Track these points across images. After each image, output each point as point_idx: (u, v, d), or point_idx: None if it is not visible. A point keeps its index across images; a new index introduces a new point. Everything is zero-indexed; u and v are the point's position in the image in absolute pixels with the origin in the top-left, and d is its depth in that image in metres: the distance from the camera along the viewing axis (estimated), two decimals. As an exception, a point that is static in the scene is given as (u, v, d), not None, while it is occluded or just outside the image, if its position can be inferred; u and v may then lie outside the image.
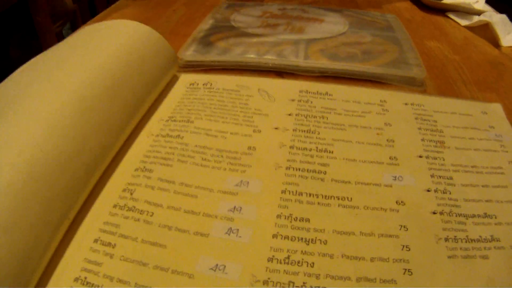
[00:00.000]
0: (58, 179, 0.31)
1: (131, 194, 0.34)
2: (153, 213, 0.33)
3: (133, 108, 0.41)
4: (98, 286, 0.28)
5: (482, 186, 0.38)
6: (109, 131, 0.37)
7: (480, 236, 0.33)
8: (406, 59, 0.59)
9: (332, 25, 0.70)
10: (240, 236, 0.31)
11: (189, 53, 0.57)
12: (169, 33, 0.70)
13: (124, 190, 0.35)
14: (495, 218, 0.35)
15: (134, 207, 0.33)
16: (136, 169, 0.37)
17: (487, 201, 0.36)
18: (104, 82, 0.38)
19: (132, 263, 0.29)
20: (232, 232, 0.31)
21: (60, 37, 1.76)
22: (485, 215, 0.35)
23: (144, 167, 0.37)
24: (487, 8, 0.92)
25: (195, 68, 0.55)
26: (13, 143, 0.30)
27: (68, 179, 0.31)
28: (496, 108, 0.50)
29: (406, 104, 0.48)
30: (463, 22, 0.87)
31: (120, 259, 0.29)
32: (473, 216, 0.35)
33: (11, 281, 0.26)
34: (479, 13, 0.88)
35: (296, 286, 0.28)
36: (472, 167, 0.40)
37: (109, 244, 0.31)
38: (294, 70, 0.55)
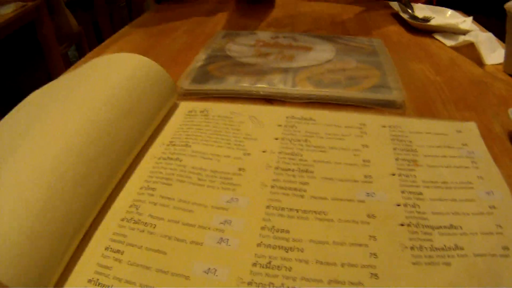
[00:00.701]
0: (74, 196, 0.36)
1: (137, 209, 0.39)
2: (155, 225, 0.38)
3: (138, 133, 0.46)
4: (109, 286, 0.33)
5: (451, 200, 0.41)
6: (117, 154, 0.42)
7: (445, 245, 0.36)
8: (387, 83, 0.63)
9: (320, 52, 0.74)
10: (229, 245, 0.36)
11: (187, 82, 0.62)
12: (170, 61, 0.75)
13: (131, 206, 0.40)
14: (461, 228, 0.38)
15: (140, 220, 0.38)
16: (141, 187, 0.42)
17: (454, 213, 0.40)
18: (113, 111, 0.44)
19: (138, 267, 0.34)
20: (223, 241, 0.36)
21: (65, 58, 1.80)
22: (451, 226, 0.38)
23: (148, 185, 0.42)
24: (474, 27, 0.94)
25: (194, 96, 0.60)
26: (35, 164, 0.36)
27: (83, 196, 0.37)
28: (471, 127, 0.54)
29: (384, 126, 0.53)
30: (449, 42, 0.89)
31: (127, 264, 0.34)
32: (439, 227, 0.38)
33: (35, 282, 0.31)
34: (465, 33, 0.90)
35: (275, 287, 0.32)
36: (442, 183, 0.44)
37: (118, 251, 0.35)
38: (283, 97, 0.59)
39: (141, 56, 0.53)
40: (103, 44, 0.87)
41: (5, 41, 1.43)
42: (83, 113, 0.42)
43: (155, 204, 0.40)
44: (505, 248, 0.36)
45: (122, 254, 0.35)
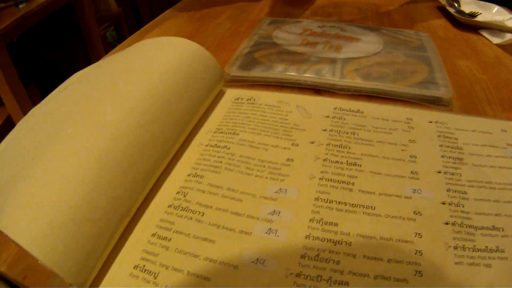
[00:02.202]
0: (121, 182, 0.36)
1: (184, 196, 0.40)
2: (203, 213, 0.38)
3: (185, 120, 0.46)
4: (155, 273, 0.33)
5: (494, 201, 0.41)
6: (164, 140, 0.42)
7: (486, 247, 0.36)
8: (434, 79, 0.62)
9: (368, 44, 0.73)
10: (278, 236, 0.36)
11: (234, 69, 0.62)
12: (215, 46, 0.75)
13: (178, 193, 0.40)
14: (503, 231, 0.38)
15: (187, 207, 0.38)
16: (189, 175, 0.42)
17: (496, 215, 0.39)
18: (161, 98, 0.44)
19: (185, 254, 0.34)
20: (272, 232, 0.36)
21: (104, 39, 1.82)
22: (493, 228, 0.38)
23: (196, 173, 0.42)
24: None
25: (240, 83, 0.60)
26: (85, 147, 0.36)
27: (130, 182, 0.37)
28: None
29: (430, 122, 0.52)
30: (495, 40, 0.87)
31: (175, 251, 0.35)
32: (482, 228, 0.38)
33: (80, 266, 0.31)
34: (510, 30, 0.88)
35: (324, 280, 0.32)
36: (487, 183, 0.43)
37: (165, 238, 0.36)
38: (331, 88, 0.59)
39: (190, 41, 0.53)
40: (144, 27, 0.87)
41: (45, 21, 1.45)
42: (132, 98, 0.42)
43: (203, 192, 0.40)
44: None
45: (169, 241, 0.36)
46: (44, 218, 0.31)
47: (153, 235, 0.36)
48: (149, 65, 0.48)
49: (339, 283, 0.32)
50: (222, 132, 0.48)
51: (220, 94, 0.56)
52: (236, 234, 0.36)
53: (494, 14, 1.00)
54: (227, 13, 0.96)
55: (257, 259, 0.34)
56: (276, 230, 0.36)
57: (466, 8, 1.02)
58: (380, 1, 1.10)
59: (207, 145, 0.46)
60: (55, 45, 1.66)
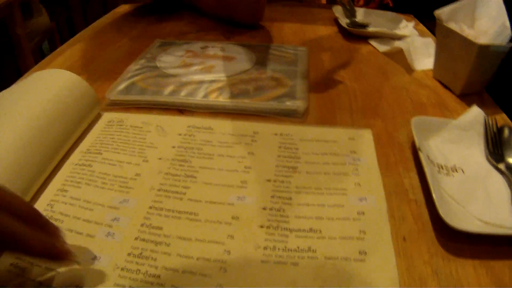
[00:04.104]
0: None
1: (51, 207, 0.48)
2: (63, 220, 0.47)
3: (59, 143, 0.55)
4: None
5: (319, 205, 0.48)
6: (39, 161, 0.51)
7: (298, 247, 0.43)
8: (293, 93, 0.70)
9: (241, 62, 0.82)
10: (114, 238, 0.45)
11: (114, 93, 0.70)
12: (108, 71, 0.82)
13: (48, 205, 0.49)
14: (320, 232, 0.44)
15: (52, 216, 0.47)
16: (58, 190, 0.51)
17: (317, 218, 0.46)
18: (39, 123, 0.53)
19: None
20: (110, 235, 0.45)
21: (36, 54, 1.87)
22: (310, 230, 0.45)
23: (63, 188, 0.51)
24: (414, 32, 0.99)
25: (119, 105, 0.69)
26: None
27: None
28: (365, 134, 0.60)
29: (275, 134, 0.60)
30: (382, 48, 0.94)
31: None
32: (298, 230, 0.45)
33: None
34: (400, 38, 0.95)
35: (141, 273, 0.41)
36: (316, 189, 0.50)
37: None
38: (192, 108, 0.68)
39: (70, 73, 0.62)
40: (52, 53, 0.93)
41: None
42: (12, 126, 0.51)
43: (65, 203, 0.49)
44: (362, 253, 0.43)
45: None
46: None
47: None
48: (33, 97, 0.57)
49: (153, 276, 0.41)
50: (90, 152, 0.57)
51: (98, 117, 0.65)
52: (83, 237, 0.45)
53: (390, 22, 1.07)
54: (132, 33, 1.04)
55: (95, 256, 0.43)
56: (114, 233, 0.45)
57: (362, 18, 1.08)
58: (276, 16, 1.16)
59: (76, 164, 0.55)
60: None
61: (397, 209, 0.49)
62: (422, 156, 0.53)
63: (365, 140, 0.59)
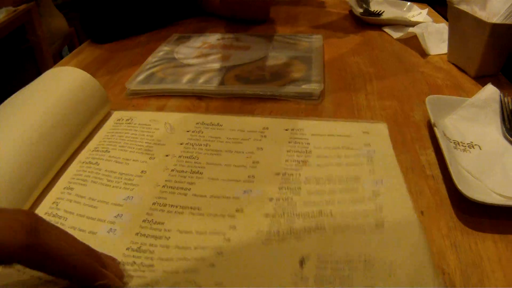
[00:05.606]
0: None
1: (57, 205, 0.49)
2: (67, 218, 0.47)
3: (68, 140, 0.55)
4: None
5: (329, 191, 0.48)
6: (47, 159, 0.52)
7: (304, 228, 0.43)
8: (309, 77, 0.71)
9: (256, 51, 0.83)
10: (115, 234, 0.45)
11: (134, 83, 0.72)
12: (127, 65, 0.84)
13: (53, 203, 0.49)
14: (330, 214, 0.44)
15: (57, 214, 0.47)
16: (64, 187, 0.52)
17: (327, 202, 0.46)
18: (49, 121, 0.53)
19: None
20: (111, 231, 0.45)
21: (57, 59, 1.90)
22: (320, 213, 0.45)
23: (69, 186, 0.52)
24: (428, 19, 1.00)
25: (139, 95, 0.71)
26: None
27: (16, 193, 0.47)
28: (380, 127, 0.59)
29: (286, 129, 0.60)
30: (396, 35, 0.95)
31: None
32: (306, 215, 0.44)
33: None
34: (413, 24, 0.96)
35: (136, 264, 0.41)
36: (327, 178, 0.50)
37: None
38: (209, 94, 0.69)
39: (80, 70, 0.62)
40: (71, 54, 0.96)
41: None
42: (22, 124, 0.52)
43: (70, 201, 0.49)
44: (379, 225, 0.43)
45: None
46: None
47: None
48: (45, 95, 0.57)
49: (147, 266, 0.41)
50: (98, 150, 0.58)
51: (108, 116, 0.65)
52: (85, 234, 0.45)
53: (405, 11, 1.09)
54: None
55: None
56: (115, 229, 0.45)
57: (375, 7, 1.10)
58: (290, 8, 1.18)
59: (83, 162, 0.56)
60: (8, 68, 1.72)
61: (414, 185, 0.49)
62: (437, 132, 0.53)
63: (380, 133, 0.58)
